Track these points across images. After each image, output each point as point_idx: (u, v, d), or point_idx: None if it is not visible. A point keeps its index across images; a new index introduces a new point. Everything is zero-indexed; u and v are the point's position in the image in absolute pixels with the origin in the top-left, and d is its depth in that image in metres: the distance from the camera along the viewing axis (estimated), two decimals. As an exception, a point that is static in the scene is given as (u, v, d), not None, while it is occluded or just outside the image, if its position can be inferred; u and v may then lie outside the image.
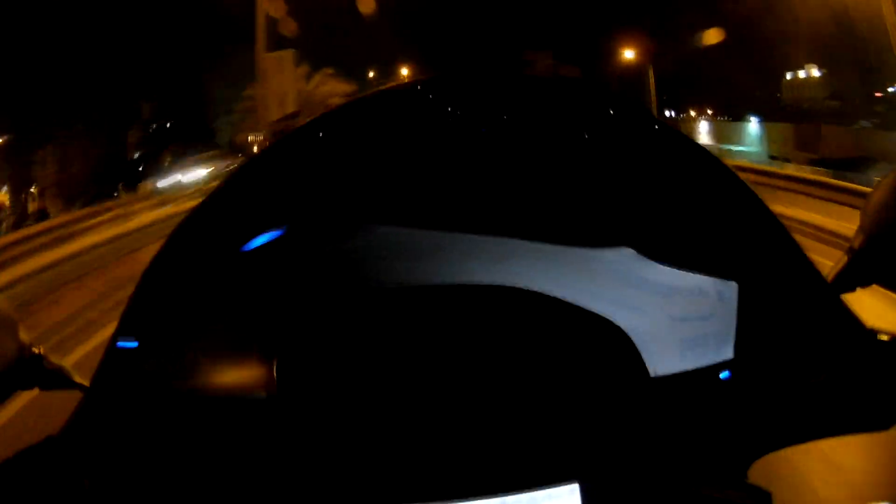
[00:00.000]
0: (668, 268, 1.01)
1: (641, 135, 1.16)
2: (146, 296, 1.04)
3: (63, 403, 1.07)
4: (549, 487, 0.91)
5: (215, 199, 1.11)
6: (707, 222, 1.06)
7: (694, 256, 1.02)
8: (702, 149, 1.13)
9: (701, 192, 1.09)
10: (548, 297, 0.99)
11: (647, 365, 0.98)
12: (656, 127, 1.16)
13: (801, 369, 0.99)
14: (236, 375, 1.00)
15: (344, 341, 1.00)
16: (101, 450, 0.99)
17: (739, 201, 1.08)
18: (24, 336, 1.08)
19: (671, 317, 1.00)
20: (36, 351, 1.10)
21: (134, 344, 1.01)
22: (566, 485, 0.91)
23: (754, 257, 1.04)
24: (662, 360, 0.98)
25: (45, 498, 0.97)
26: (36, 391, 1.11)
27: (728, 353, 0.99)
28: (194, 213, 1.10)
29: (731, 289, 1.01)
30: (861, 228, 1.09)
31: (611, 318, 0.98)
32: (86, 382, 1.08)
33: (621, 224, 1.03)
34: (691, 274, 1.01)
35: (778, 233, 1.05)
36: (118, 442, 0.99)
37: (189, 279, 1.04)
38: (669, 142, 1.14)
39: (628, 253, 1.01)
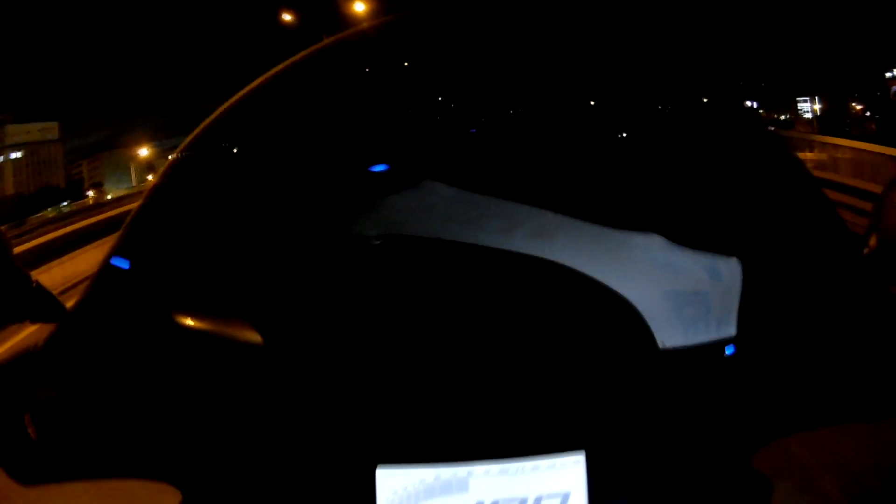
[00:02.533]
0: (680, 246, 1.00)
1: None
2: (144, 220, 1.02)
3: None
4: (553, 456, 0.91)
5: (212, 132, 1.07)
6: (739, 197, 1.04)
7: (716, 231, 1.01)
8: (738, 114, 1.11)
9: (730, 161, 1.07)
10: (562, 269, 0.98)
11: (655, 339, 0.97)
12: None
13: (819, 348, 0.99)
14: (233, 319, 0.98)
15: (357, 297, 0.98)
16: (77, 361, 0.98)
17: (776, 173, 1.06)
18: (17, 264, 1.04)
19: (680, 293, 1.00)
20: (30, 282, 1.06)
21: (126, 264, 1.00)
22: (572, 454, 0.91)
23: (783, 234, 1.02)
24: (670, 333, 0.97)
25: (19, 408, 0.96)
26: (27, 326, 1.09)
27: (732, 330, 0.98)
28: (192, 145, 1.07)
29: (738, 266, 1.00)
30: (873, 227, 1.07)
31: (621, 293, 0.97)
32: None
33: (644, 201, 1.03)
34: (700, 251, 1.00)
35: (820, 212, 1.03)
36: (95, 357, 0.97)
37: (188, 211, 1.02)
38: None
39: (642, 233, 1.00)
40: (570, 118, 1.12)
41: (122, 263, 1.00)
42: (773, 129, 1.16)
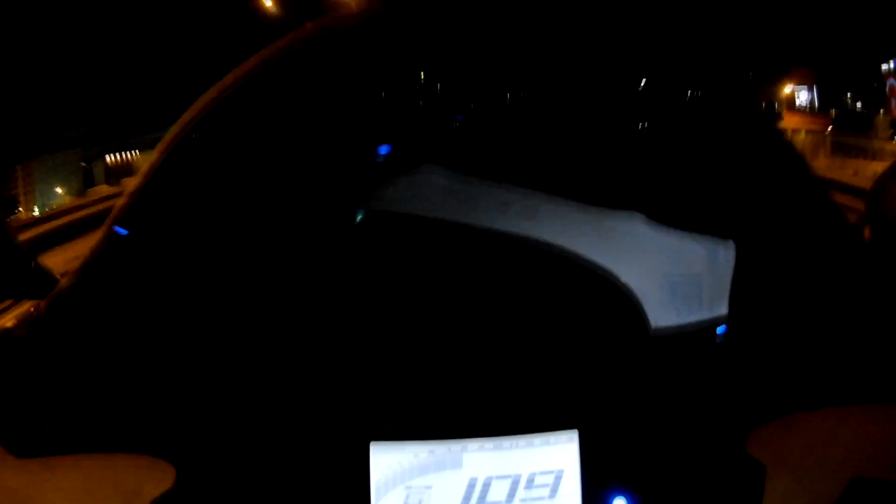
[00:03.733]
0: (672, 227, 1.01)
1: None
2: (144, 196, 1.03)
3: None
4: (548, 433, 0.92)
5: (208, 116, 1.07)
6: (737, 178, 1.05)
7: (712, 215, 1.01)
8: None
9: (728, 146, 1.08)
10: (556, 250, 0.98)
11: (647, 320, 0.98)
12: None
13: (809, 328, 1.00)
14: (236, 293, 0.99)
15: (351, 277, 0.99)
16: (74, 329, 0.99)
17: (773, 158, 1.07)
18: (18, 242, 1.05)
19: (672, 274, 1.00)
20: (29, 259, 1.06)
21: (125, 231, 1.01)
22: (565, 432, 0.92)
23: (779, 216, 1.03)
24: (662, 314, 0.98)
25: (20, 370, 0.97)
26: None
27: (723, 310, 0.99)
28: (210, 110, 1.07)
29: (731, 247, 1.01)
30: (866, 217, 1.08)
31: (614, 273, 0.98)
32: None
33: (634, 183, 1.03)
34: (693, 233, 1.01)
35: (811, 190, 1.04)
36: (92, 326, 0.98)
37: (187, 186, 1.03)
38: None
39: (633, 215, 1.00)
40: (570, 103, 1.13)
41: (123, 231, 1.00)
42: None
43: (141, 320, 0.97)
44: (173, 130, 1.09)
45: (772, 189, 1.05)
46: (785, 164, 1.08)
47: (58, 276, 1.08)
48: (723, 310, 0.99)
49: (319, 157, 1.06)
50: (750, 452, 0.93)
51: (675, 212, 1.01)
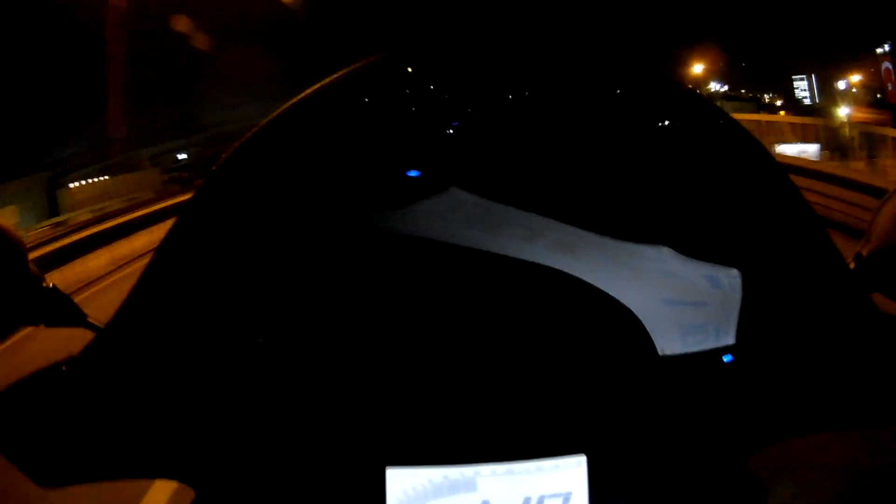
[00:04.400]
0: (679, 254, 1.03)
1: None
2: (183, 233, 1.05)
3: (68, 344, 1.06)
4: (557, 458, 0.95)
5: (241, 153, 1.08)
6: (725, 207, 1.07)
7: (714, 243, 1.03)
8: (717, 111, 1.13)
9: (719, 172, 1.09)
10: (564, 276, 1.00)
11: (655, 345, 1.00)
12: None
13: (813, 356, 1.02)
14: (260, 325, 1.01)
15: (369, 300, 1.01)
16: (110, 382, 0.99)
17: (761, 183, 1.08)
18: (32, 267, 1.05)
19: (679, 300, 1.02)
20: (45, 284, 1.07)
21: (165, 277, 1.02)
22: (574, 456, 0.95)
23: (776, 245, 1.05)
24: (669, 341, 1.00)
25: (45, 425, 0.98)
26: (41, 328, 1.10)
27: (730, 338, 1.01)
28: (241, 149, 1.08)
29: (737, 276, 1.02)
30: (868, 237, 1.10)
31: (622, 300, 1.00)
32: (99, 322, 1.07)
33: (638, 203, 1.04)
34: (699, 261, 1.03)
35: (803, 220, 1.06)
36: (128, 377, 0.99)
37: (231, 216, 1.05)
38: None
39: (641, 242, 1.02)
40: (581, 127, 1.13)
41: (159, 275, 1.02)
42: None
43: (160, 352, 1.00)
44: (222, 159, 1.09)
45: (765, 212, 1.07)
46: (776, 186, 1.09)
47: (76, 303, 1.09)
48: (730, 337, 1.00)
49: (354, 180, 1.06)
50: (754, 472, 0.96)
51: (678, 236, 1.03)
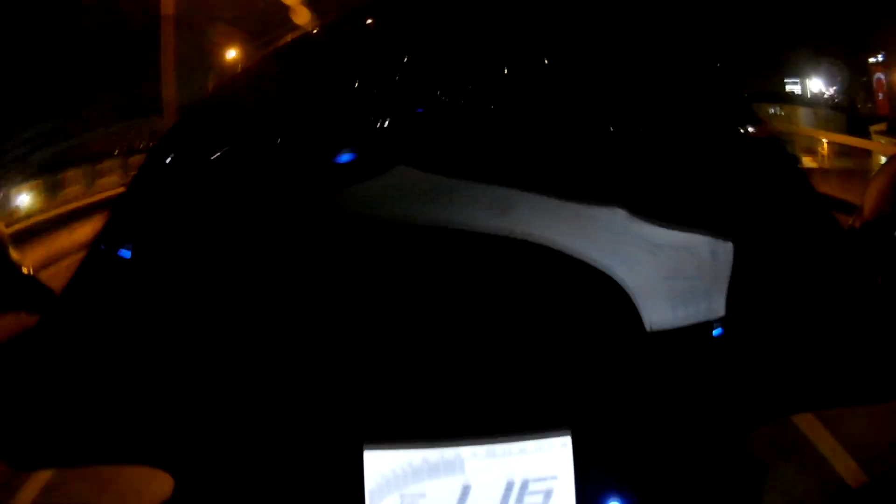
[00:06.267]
0: (669, 226, 1.02)
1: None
2: (130, 204, 1.03)
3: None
4: (540, 437, 0.93)
5: (194, 117, 1.08)
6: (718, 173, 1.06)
7: (705, 214, 1.02)
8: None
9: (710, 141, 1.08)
10: (548, 250, 0.99)
11: (642, 319, 0.98)
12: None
13: (812, 330, 1.01)
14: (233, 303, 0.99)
15: (342, 281, 0.99)
16: (71, 351, 0.98)
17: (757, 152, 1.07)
18: (13, 254, 1.05)
19: (667, 274, 1.01)
20: (25, 271, 1.06)
21: (119, 251, 1.01)
22: (558, 436, 0.93)
23: (775, 219, 1.04)
24: (657, 315, 0.99)
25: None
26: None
27: (720, 311, 1.00)
28: (175, 129, 1.07)
29: (727, 248, 1.01)
30: (859, 211, 1.10)
31: (608, 272, 0.98)
32: None
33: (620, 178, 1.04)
34: (688, 233, 1.02)
35: (802, 194, 1.05)
36: (91, 345, 0.98)
37: (182, 184, 1.03)
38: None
39: (627, 213, 1.01)
40: (553, 102, 1.12)
41: (111, 248, 1.00)
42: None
43: (132, 334, 0.98)
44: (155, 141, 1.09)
45: (764, 188, 1.06)
46: (777, 164, 1.09)
47: (53, 290, 1.08)
48: (720, 310, 0.99)
49: (302, 159, 1.06)
50: (751, 451, 0.94)
51: (667, 209, 1.02)
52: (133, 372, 0.97)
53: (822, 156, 12.00)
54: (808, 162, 11.72)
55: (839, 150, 11.54)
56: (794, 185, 1.06)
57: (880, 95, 18.77)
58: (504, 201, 1.01)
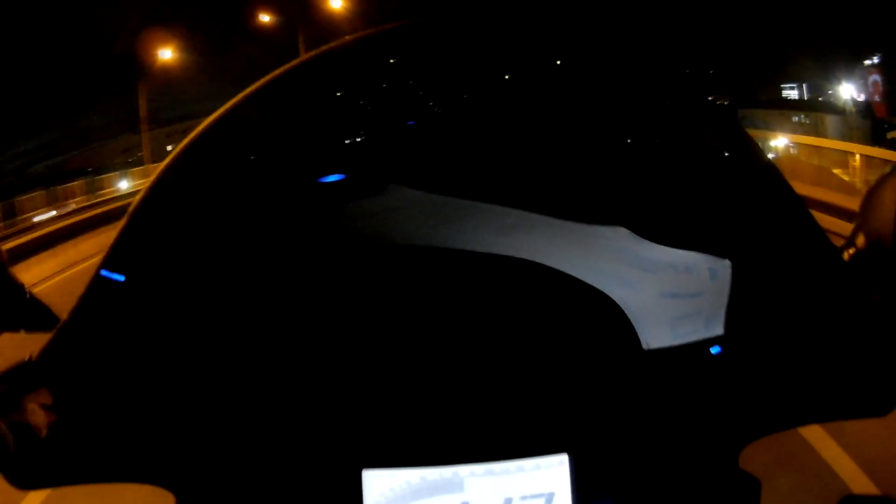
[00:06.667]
0: (663, 245, 1.02)
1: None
2: (135, 230, 1.03)
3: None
4: (538, 457, 0.94)
5: (201, 139, 1.08)
6: (711, 196, 1.06)
7: (697, 232, 1.03)
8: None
9: (704, 159, 1.09)
10: (544, 269, 0.99)
11: (640, 339, 0.99)
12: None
13: (803, 344, 1.01)
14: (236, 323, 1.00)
15: (340, 302, 1.00)
16: (73, 375, 0.99)
17: (749, 172, 1.08)
18: (12, 275, 1.05)
19: (665, 293, 1.02)
20: (24, 291, 1.07)
21: (120, 277, 1.01)
22: (556, 455, 0.94)
23: (766, 235, 1.04)
24: (655, 334, 0.99)
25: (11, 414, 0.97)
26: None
27: (719, 330, 1.00)
28: (182, 152, 1.08)
29: (724, 266, 1.02)
30: (860, 227, 1.09)
31: (606, 292, 0.99)
32: None
33: (619, 199, 1.04)
34: (685, 251, 1.02)
35: (793, 211, 1.05)
36: (94, 368, 0.99)
37: (179, 213, 1.04)
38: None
39: (624, 231, 1.01)
40: (551, 114, 1.13)
41: (114, 275, 1.01)
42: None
43: (135, 355, 0.99)
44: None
45: (759, 207, 1.07)
46: (765, 179, 1.10)
47: (53, 310, 1.09)
48: (718, 329, 1.00)
49: (303, 174, 1.06)
50: (743, 468, 0.95)
51: (663, 227, 1.02)
52: (135, 392, 0.98)
53: (854, 168, 11.51)
54: (840, 175, 11.44)
55: (871, 160, 11.04)
56: (788, 204, 1.07)
57: (877, 98, 18.72)
58: (501, 220, 1.01)
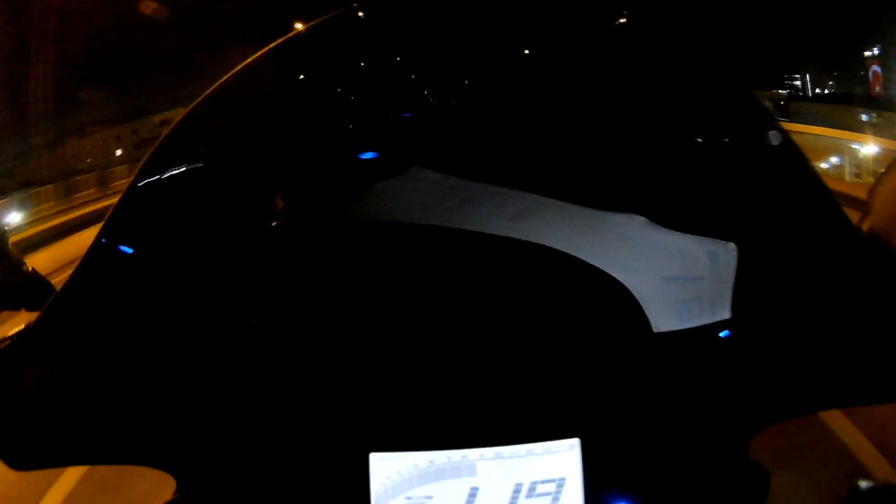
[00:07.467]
0: (674, 230, 1.00)
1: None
2: (136, 198, 1.01)
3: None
4: (549, 441, 0.92)
5: (199, 113, 1.06)
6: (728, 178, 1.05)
7: (715, 215, 1.01)
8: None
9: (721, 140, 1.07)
10: (555, 253, 0.98)
11: (650, 323, 0.97)
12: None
13: (816, 330, 0.99)
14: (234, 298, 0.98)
15: (349, 286, 0.98)
16: (69, 347, 0.97)
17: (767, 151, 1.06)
18: (13, 251, 1.03)
19: (675, 277, 1.00)
20: (25, 269, 1.05)
21: (122, 245, 0.99)
22: (566, 440, 0.92)
23: (780, 219, 1.03)
24: (665, 318, 0.97)
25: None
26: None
27: (727, 314, 0.98)
28: (180, 126, 1.05)
29: (733, 249, 1.00)
30: (867, 212, 1.08)
31: (616, 277, 0.97)
32: None
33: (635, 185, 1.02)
34: (696, 236, 1.01)
35: (812, 193, 1.03)
36: (90, 341, 0.97)
37: (179, 189, 1.01)
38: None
39: (638, 219, 1.00)
40: (562, 100, 1.11)
41: (114, 244, 0.98)
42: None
43: (134, 332, 0.96)
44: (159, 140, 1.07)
45: (772, 189, 1.05)
46: (786, 163, 1.07)
47: (53, 285, 1.06)
48: (726, 313, 0.98)
49: (305, 160, 1.04)
50: (753, 457, 0.94)
51: (674, 213, 1.00)
52: (135, 370, 0.95)
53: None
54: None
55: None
56: (804, 182, 1.04)
57: (877, 88, 18.57)
58: (516, 205, 0.99)
